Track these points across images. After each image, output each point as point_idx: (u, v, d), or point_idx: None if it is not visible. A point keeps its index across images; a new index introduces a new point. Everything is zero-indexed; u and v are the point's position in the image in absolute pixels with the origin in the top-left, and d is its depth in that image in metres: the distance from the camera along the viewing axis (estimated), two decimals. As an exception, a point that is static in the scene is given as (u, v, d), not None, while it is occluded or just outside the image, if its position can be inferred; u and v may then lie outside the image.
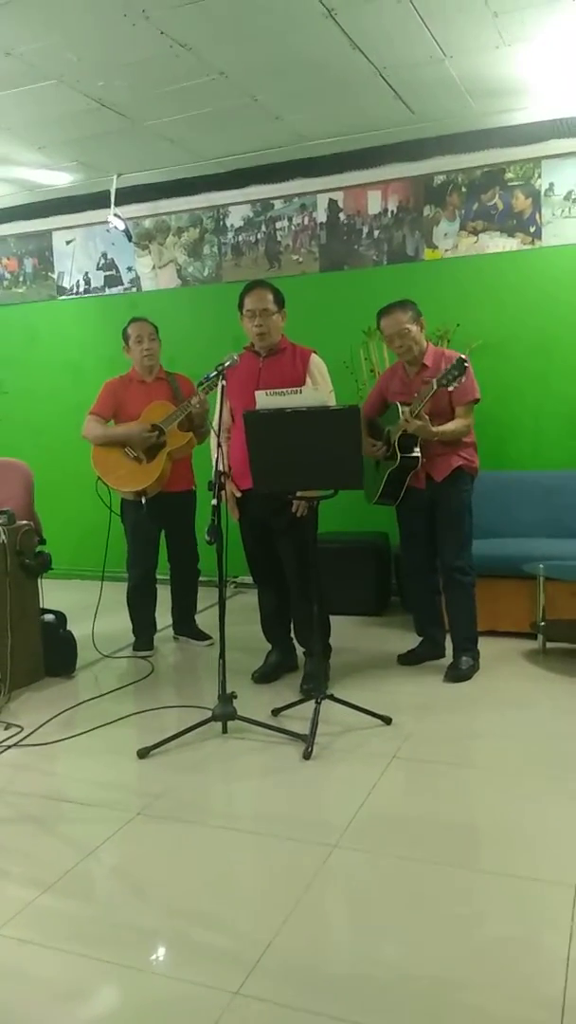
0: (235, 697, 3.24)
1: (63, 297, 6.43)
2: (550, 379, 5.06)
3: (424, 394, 3.64)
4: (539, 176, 5.01)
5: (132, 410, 4.26)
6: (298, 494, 3.45)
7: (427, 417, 3.64)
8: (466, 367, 3.57)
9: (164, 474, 4.16)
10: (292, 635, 3.98)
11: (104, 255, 6.26)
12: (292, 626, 3.96)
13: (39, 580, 3.97)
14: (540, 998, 1.75)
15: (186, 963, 1.94)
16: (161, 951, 2.01)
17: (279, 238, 5.71)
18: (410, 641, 4.17)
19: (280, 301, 3.69)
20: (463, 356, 3.62)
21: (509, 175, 5.09)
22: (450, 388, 3.59)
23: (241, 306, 3.70)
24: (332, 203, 5.55)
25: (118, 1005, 1.84)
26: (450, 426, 3.73)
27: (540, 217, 5.02)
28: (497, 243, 5.15)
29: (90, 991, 1.85)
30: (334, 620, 4.04)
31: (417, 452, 3.74)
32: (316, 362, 3.74)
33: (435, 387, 3.60)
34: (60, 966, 1.92)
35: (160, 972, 1.91)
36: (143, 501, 4.16)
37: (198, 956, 1.96)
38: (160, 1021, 1.75)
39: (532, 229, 5.05)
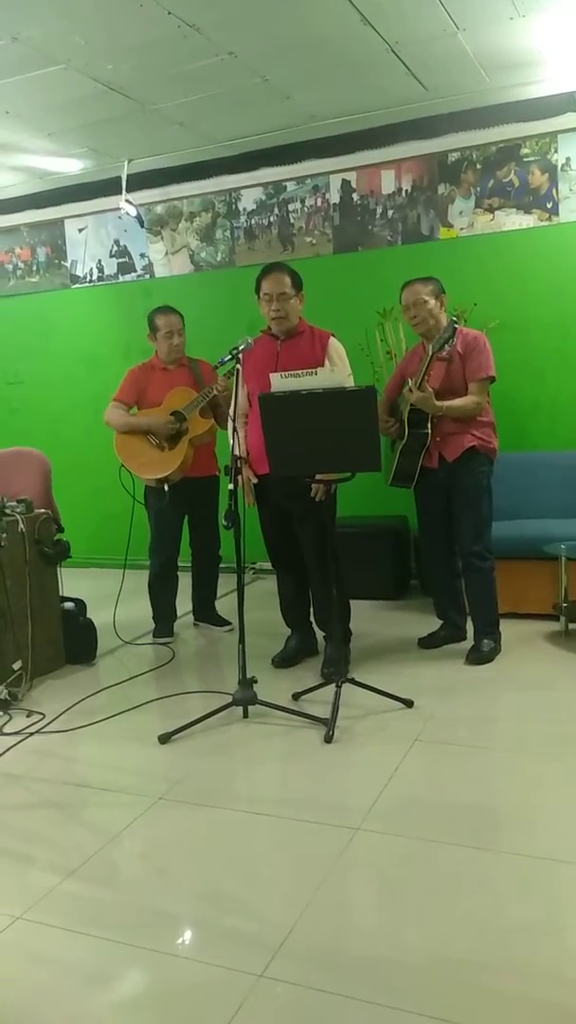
0: (255, 682, 3.24)
1: (76, 286, 6.41)
2: (569, 357, 4.99)
3: (422, 364, 3.61)
4: (555, 151, 4.92)
5: (154, 396, 4.26)
6: (316, 477, 3.43)
7: (429, 389, 3.61)
8: (456, 328, 3.55)
9: (186, 461, 4.15)
10: (312, 619, 3.97)
11: (117, 242, 6.23)
12: (312, 610, 3.95)
13: (58, 568, 3.99)
14: (565, 980, 1.73)
15: (210, 946, 1.95)
16: (185, 935, 2.01)
17: (292, 220, 5.66)
18: (430, 624, 4.14)
19: (298, 284, 3.66)
20: (454, 318, 3.59)
21: (525, 150, 5.00)
22: (442, 353, 3.57)
23: (258, 289, 3.66)
24: (345, 183, 5.48)
25: (142, 988, 1.85)
26: (458, 402, 3.68)
27: (557, 193, 4.94)
28: (513, 220, 5.07)
29: (114, 975, 1.86)
30: (354, 604, 4.02)
31: (427, 429, 3.70)
32: (335, 345, 3.71)
33: (430, 353, 3.57)
34: (84, 950, 1.93)
35: (184, 955, 1.91)
36: (165, 488, 4.15)
37: (222, 939, 1.96)
38: (184, 1004, 1.75)
39: (549, 205, 4.97)
